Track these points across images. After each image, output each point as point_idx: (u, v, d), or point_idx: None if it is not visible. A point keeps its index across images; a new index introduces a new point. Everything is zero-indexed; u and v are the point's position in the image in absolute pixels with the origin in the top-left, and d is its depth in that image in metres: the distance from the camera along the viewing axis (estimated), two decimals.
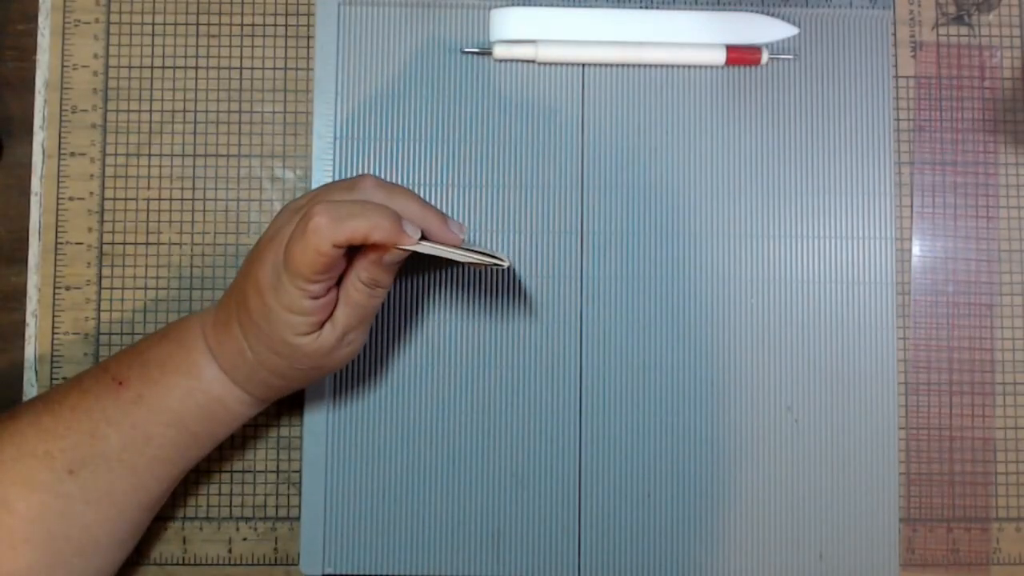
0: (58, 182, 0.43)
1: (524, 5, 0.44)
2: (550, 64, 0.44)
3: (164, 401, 0.35)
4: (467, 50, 0.44)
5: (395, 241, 0.32)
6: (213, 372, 0.36)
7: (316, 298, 0.33)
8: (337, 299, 0.35)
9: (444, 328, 0.43)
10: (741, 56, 0.43)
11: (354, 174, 0.43)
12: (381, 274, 0.34)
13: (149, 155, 0.44)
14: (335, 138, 0.43)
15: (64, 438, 0.34)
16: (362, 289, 0.34)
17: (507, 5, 0.44)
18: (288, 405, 0.43)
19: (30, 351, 0.43)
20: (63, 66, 0.43)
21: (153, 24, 0.44)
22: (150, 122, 0.44)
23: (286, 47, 0.44)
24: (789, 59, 0.44)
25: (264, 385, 0.36)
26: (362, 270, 0.34)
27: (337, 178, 0.43)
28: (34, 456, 0.34)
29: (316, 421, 0.42)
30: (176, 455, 0.36)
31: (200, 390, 0.36)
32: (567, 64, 0.44)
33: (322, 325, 0.35)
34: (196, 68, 0.44)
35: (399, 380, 0.42)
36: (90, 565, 0.36)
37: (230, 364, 0.36)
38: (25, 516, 0.34)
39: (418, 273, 0.43)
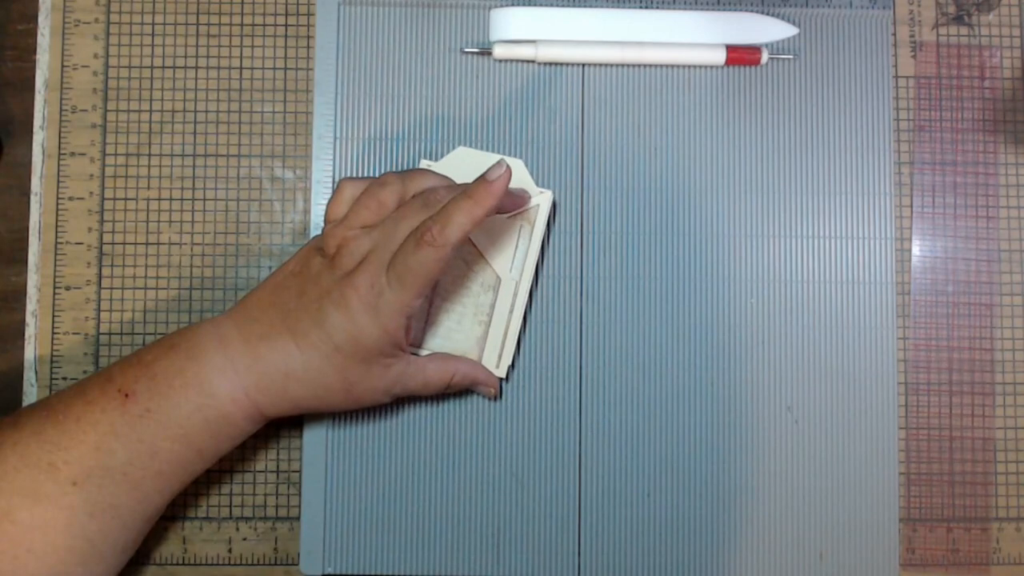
0: (58, 182, 0.43)
1: (524, 5, 0.44)
2: (550, 64, 0.44)
3: (172, 416, 0.35)
4: (467, 50, 0.44)
5: (496, 199, 0.35)
6: (227, 387, 0.35)
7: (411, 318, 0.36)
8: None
9: None
10: (741, 56, 0.43)
11: (353, 174, 0.43)
12: (473, 385, 0.40)
13: (149, 155, 0.44)
14: (335, 138, 0.43)
15: (68, 450, 0.34)
16: (440, 385, 0.39)
17: (507, 5, 0.44)
18: None
19: (30, 351, 0.43)
20: (63, 66, 0.43)
21: (153, 24, 0.44)
22: (150, 122, 0.44)
23: (286, 47, 0.44)
24: (789, 59, 0.44)
25: (291, 404, 0.37)
26: (461, 376, 0.39)
27: (336, 177, 0.43)
28: (37, 467, 0.34)
29: (316, 421, 0.42)
30: (180, 470, 0.36)
31: (211, 406, 0.35)
32: (567, 64, 0.44)
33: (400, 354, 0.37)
34: (196, 68, 0.44)
35: None
36: (92, 573, 0.35)
37: (264, 380, 0.36)
38: (28, 526, 0.33)
39: None
